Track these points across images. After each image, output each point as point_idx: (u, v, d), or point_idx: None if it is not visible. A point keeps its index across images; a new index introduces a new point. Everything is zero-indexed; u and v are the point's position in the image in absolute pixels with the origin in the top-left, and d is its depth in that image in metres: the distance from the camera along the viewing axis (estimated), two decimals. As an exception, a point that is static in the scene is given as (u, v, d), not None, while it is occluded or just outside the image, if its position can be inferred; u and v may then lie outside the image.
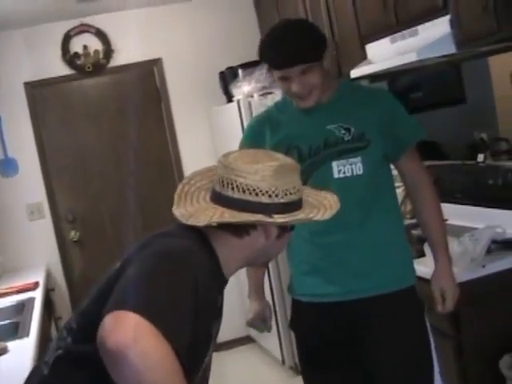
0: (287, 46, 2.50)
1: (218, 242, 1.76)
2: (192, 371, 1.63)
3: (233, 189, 1.72)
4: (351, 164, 2.58)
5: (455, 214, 3.78)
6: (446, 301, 2.69)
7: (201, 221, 1.70)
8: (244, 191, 1.71)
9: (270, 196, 1.71)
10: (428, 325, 2.75)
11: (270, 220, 1.70)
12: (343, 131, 2.58)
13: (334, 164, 2.58)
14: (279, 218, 1.71)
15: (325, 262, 2.65)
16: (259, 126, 2.77)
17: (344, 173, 2.58)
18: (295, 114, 2.69)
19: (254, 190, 1.71)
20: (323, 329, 2.69)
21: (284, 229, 1.80)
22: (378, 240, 2.61)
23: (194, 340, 1.55)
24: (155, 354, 1.38)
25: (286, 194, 1.73)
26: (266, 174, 1.72)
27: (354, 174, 2.58)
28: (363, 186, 2.59)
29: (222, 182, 1.75)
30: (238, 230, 1.75)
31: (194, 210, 1.77)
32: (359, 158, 2.57)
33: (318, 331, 2.71)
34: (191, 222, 1.71)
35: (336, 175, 2.58)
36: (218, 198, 1.76)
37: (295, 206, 1.76)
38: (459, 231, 3.41)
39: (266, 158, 1.78)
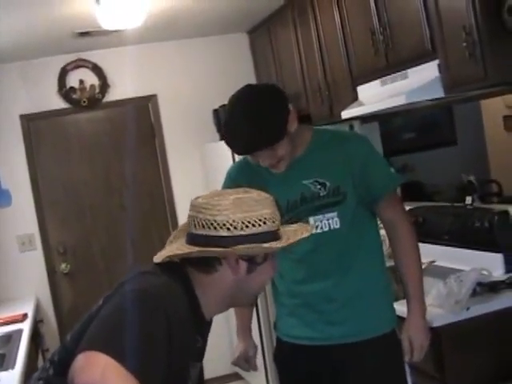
0: (245, 136, 2.45)
1: (195, 282, 1.77)
2: None
3: (195, 225, 1.76)
4: (328, 219, 2.59)
5: (442, 255, 3.81)
6: (414, 351, 2.69)
7: (157, 258, 1.76)
8: (203, 226, 1.73)
9: (228, 229, 1.71)
10: (407, 367, 2.77)
11: (228, 250, 1.70)
12: (319, 186, 2.58)
13: (311, 219, 2.59)
14: (238, 249, 1.70)
15: (302, 309, 2.68)
16: (236, 175, 2.79)
17: (321, 228, 2.59)
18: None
19: (212, 223, 1.72)
20: (302, 369, 2.72)
21: (253, 262, 1.77)
22: (355, 290, 2.63)
23: (168, 381, 1.56)
24: None
25: (247, 226, 1.72)
26: (223, 207, 1.73)
27: (331, 228, 2.59)
28: (341, 239, 2.61)
29: (191, 221, 1.78)
30: (206, 266, 1.76)
31: (167, 250, 1.80)
32: (336, 213, 2.58)
33: (298, 370, 2.73)
34: (154, 259, 1.76)
35: (313, 231, 2.58)
36: (189, 237, 1.79)
37: (262, 237, 1.73)
38: (445, 272, 3.43)
39: (232, 193, 1.80)
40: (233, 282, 1.78)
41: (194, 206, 1.79)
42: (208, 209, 1.74)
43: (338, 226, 2.59)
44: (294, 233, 1.83)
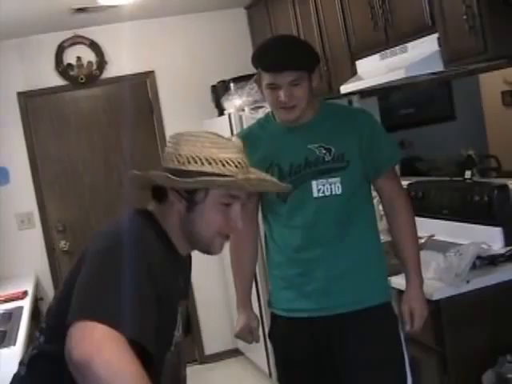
0: (281, 50, 2.61)
1: (159, 216, 1.82)
2: (161, 352, 1.71)
3: (163, 158, 1.85)
4: (330, 184, 2.63)
5: (441, 229, 3.82)
6: (415, 321, 2.74)
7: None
8: (165, 159, 1.82)
9: (172, 161, 1.79)
10: (403, 339, 2.80)
11: (163, 176, 1.75)
12: (324, 151, 2.63)
13: (314, 183, 2.63)
14: (172, 179, 1.74)
15: (300, 278, 2.70)
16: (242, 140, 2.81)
17: (323, 192, 2.63)
18: (277, 131, 2.74)
19: (165, 156, 1.83)
20: (298, 342, 2.74)
21: (192, 200, 1.77)
22: (352, 258, 2.67)
23: (159, 325, 1.61)
24: (118, 363, 1.42)
25: (189, 162, 1.76)
26: (176, 141, 1.82)
27: (333, 193, 2.63)
28: (341, 205, 2.65)
29: None
30: (159, 194, 1.82)
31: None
32: (338, 179, 2.63)
33: (293, 344, 2.76)
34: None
35: (315, 194, 2.63)
36: None
37: (201, 175, 1.74)
38: (444, 247, 3.45)
39: (195, 133, 1.84)
40: (179, 216, 1.81)
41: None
42: (170, 142, 1.84)
43: (339, 192, 2.63)
44: (249, 182, 1.81)
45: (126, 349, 1.46)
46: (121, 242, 1.65)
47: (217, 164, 1.75)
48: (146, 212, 1.84)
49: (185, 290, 1.95)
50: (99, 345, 1.43)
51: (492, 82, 5.72)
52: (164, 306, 1.66)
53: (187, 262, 1.98)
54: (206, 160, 1.75)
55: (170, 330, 1.77)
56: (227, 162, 1.76)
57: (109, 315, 1.49)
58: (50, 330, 1.72)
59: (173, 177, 1.74)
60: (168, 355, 1.78)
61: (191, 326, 2.07)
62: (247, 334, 2.93)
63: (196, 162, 1.75)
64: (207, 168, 1.74)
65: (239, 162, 1.79)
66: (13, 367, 2.89)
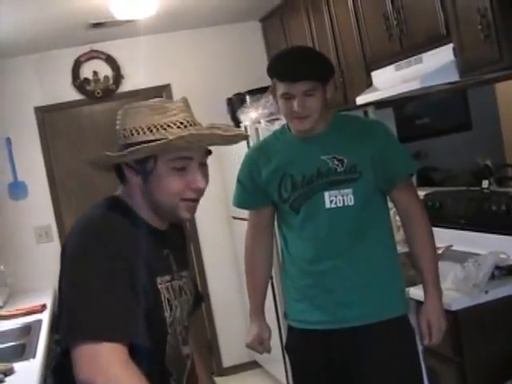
0: (296, 59, 2.64)
1: (125, 197, 1.85)
2: (159, 339, 1.76)
3: None
4: (343, 195, 2.63)
5: (459, 239, 3.80)
6: (433, 334, 2.72)
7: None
8: (117, 137, 1.86)
9: (124, 136, 1.81)
10: (420, 351, 2.80)
11: (111, 154, 1.79)
12: (336, 162, 2.63)
13: (326, 194, 2.63)
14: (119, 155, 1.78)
15: (313, 290, 2.70)
16: (255, 155, 2.86)
17: (335, 203, 2.63)
18: (291, 142, 2.76)
19: (117, 133, 1.86)
20: (312, 355, 2.74)
21: (144, 171, 1.77)
22: (366, 270, 2.66)
23: (147, 314, 1.68)
24: (121, 380, 1.54)
25: (132, 134, 1.78)
26: (120, 117, 1.85)
27: (345, 204, 2.63)
28: (353, 216, 2.64)
29: None
30: (119, 176, 1.87)
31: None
32: (351, 190, 2.63)
33: (308, 356, 2.76)
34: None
35: (328, 205, 2.63)
36: None
37: (143, 144, 1.73)
38: (462, 257, 3.43)
39: (135, 104, 1.84)
40: (139, 190, 1.81)
41: None
42: (117, 120, 1.86)
43: (351, 203, 2.63)
44: (184, 139, 1.74)
45: (126, 362, 1.56)
46: (87, 240, 1.69)
47: (158, 130, 1.74)
48: (111, 197, 1.87)
49: (179, 262, 1.93)
50: (100, 366, 1.53)
51: (508, 91, 5.69)
52: (143, 286, 1.70)
53: (174, 235, 1.96)
54: (148, 128, 1.75)
55: (157, 316, 1.77)
56: (168, 126, 1.75)
57: (101, 330, 1.56)
58: (60, 342, 1.75)
59: (110, 153, 1.77)
60: (168, 338, 1.80)
61: (201, 295, 2.08)
62: (258, 344, 2.94)
63: (139, 133, 1.76)
64: (149, 136, 1.74)
65: (181, 122, 1.76)
66: (32, 380, 2.93)
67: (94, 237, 1.69)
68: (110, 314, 1.59)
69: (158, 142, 1.70)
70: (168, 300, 1.80)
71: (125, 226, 1.74)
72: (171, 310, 1.81)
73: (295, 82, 2.57)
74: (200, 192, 1.82)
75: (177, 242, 1.98)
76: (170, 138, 1.70)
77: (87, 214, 1.81)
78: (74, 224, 1.81)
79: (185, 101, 1.84)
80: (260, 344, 2.93)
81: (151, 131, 1.74)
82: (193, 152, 1.78)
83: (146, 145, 1.70)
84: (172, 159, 1.75)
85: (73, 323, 1.60)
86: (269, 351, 2.97)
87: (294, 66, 2.60)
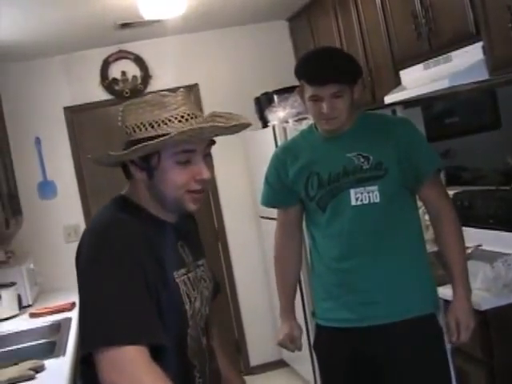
0: (324, 63, 2.64)
1: (132, 194, 1.87)
2: (181, 332, 1.78)
3: None
4: (368, 192, 2.63)
5: (488, 239, 3.78)
6: (461, 332, 2.71)
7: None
8: (119, 135, 1.85)
9: (126, 133, 1.81)
10: (449, 351, 2.79)
11: (114, 153, 1.80)
12: (362, 160, 2.64)
13: (352, 191, 2.64)
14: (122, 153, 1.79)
15: (339, 289, 2.71)
16: (282, 155, 2.88)
17: (361, 200, 2.64)
18: (317, 141, 2.77)
19: (119, 131, 1.85)
20: (340, 353, 2.75)
21: (149, 168, 1.78)
22: (391, 268, 2.66)
23: (166, 311, 1.71)
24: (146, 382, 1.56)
25: (134, 131, 1.78)
26: (121, 114, 1.84)
27: (371, 201, 2.63)
28: (379, 213, 2.65)
29: None
30: (125, 172, 1.87)
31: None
32: (376, 187, 2.63)
33: (335, 355, 2.77)
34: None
35: (353, 202, 2.64)
36: None
37: (146, 140, 1.74)
38: (492, 256, 3.41)
39: (135, 100, 1.84)
40: (145, 186, 1.82)
41: None
42: (118, 117, 1.85)
43: (377, 200, 2.63)
44: (185, 134, 1.74)
45: (149, 364, 1.58)
46: (99, 246, 1.71)
47: (159, 125, 1.75)
48: (119, 197, 1.89)
49: (194, 251, 1.95)
50: (124, 370, 1.56)
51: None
52: (162, 290, 1.72)
53: (186, 225, 1.97)
54: (150, 124, 1.76)
55: (178, 311, 1.79)
56: (169, 120, 1.75)
57: (122, 335, 1.58)
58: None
59: (112, 152, 1.78)
60: (189, 330, 1.81)
61: (218, 282, 2.09)
62: (289, 342, 2.95)
63: (140, 130, 1.77)
64: (151, 132, 1.75)
65: (182, 116, 1.77)
66: (63, 377, 2.96)
67: (106, 242, 1.70)
68: (128, 317, 1.61)
69: (160, 139, 1.71)
70: (187, 293, 1.81)
71: (136, 226, 1.75)
72: (190, 302, 1.82)
73: (324, 85, 2.58)
74: (205, 183, 1.83)
75: (189, 231, 2.00)
76: (172, 133, 1.71)
77: (97, 218, 1.84)
78: (84, 230, 1.83)
79: (184, 93, 1.84)
80: (291, 342, 2.94)
81: (152, 127, 1.75)
82: (195, 144, 1.78)
83: (146, 143, 1.71)
84: (175, 153, 1.76)
85: (93, 330, 1.62)
86: (300, 349, 2.98)
87: (322, 69, 2.61)
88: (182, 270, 1.84)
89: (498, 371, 3.04)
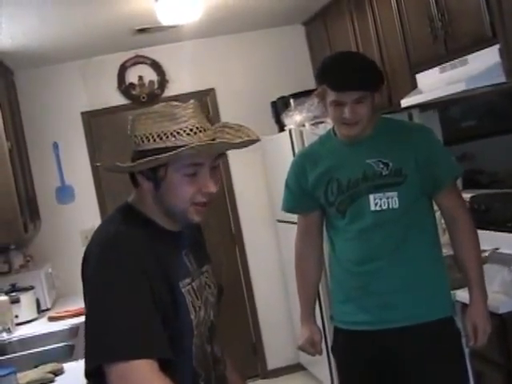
0: (348, 69, 2.64)
1: (138, 203, 1.87)
2: (186, 342, 1.79)
3: None
4: (388, 198, 2.64)
5: (506, 242, 3.76)
6: (478, 336, 2.72)
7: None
8: (129, 143, 1.84)
9: (135, 143, 1.80)
10: (467, 354, 2.79)
11: (121, 165, 1.79)
12: (381, 165, 2.65)
13: (371, 197, 2.66)
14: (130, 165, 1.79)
15: (358, 292, 2.72)
16: (302, 161, 2.89)
17: (380, 206, 2.65)
18: (337, 146, 2.78)
19: (129, 140, 1.83)
20: (359, 355, 2.76)
21: (156, 178, 1.78)
22: (409, 273, 2.67)
23: (168, 315, 1.72)
24: None
25: (143, 141, 1.77)
26: (131, 123, 1.83)
27: (390, 207, 2.64)
28: (398, 218, 2.66)
29: None
30: (133, 181, 1.86)
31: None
32: (396, 193, 2.64)
33: (355, 357, 2.78)
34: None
35: (373, 208, 2.65)
36: None
37: (157, 152, 1.73)
38: (509, 260, 3.40)
39: (145, 109, 1.84)
40: (151, 196, 1.83)
41: None
42: (128, 125, 1.84)
43: (396, 206, 2.64)
44: (194, 149, 1.73)
45: (158, 376, 1.61)
46: (105, 260, 1.72)
47: (168, 137, 1.75)
48: (124, 206, 1.89)
49: (199, 258, 1.96)
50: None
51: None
52: (168, 301, 1.73)
53: (190, 232, 1.96)
54: (158, 136, 1.75)
55: (183, 321, 1.79)
56: (178, 133, 1.75)
57: (130, 350, 1.60)
58: None
59: (120, 164, 1.78)
60: (194, 339, 1.82)
61: (223, 288, 2.08)
62: (309, 346, 2.96)
63: (149, 140, 1.76)
64: (160, 144, 1.75)
65: (191, 129, 1.76)
66: (82, 379, 2.96)
67: (114, 254, 1.71)
68: (138, 331, 1.63)
69: (167, 154, 1.71)
70: (192, 303, 1.82)
71: (142, 238, 1.76)
72: (195, 311, 1.83)
73: (347, 91, 2.59)
74: (211, 196, 1.84)
75: (194, 239, 2.00)
76: (180, 147, 1.71)
77: (104, 229, 1.85)
78: (90, 241, 1.84)
79: (195, 105, 1.83)
80: (312, 346, 2.95)
81: (161, 138, 1.75)
82: (203, 158, 1.78)
83: (153, 157, 1.72)
84: (183, 166, 1.76)
85: (103, 343, 1.63)
86: (320, 353, 3.00)
87: (346, 75, 2.61)
88: (187, 280, 1.84)
89: (517, 375, 3.03)
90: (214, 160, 1.83)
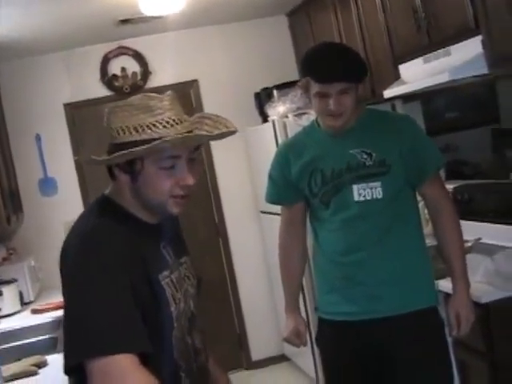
0: (332, 61, 2.63)
1: (115, 195, 1.86)
2: (167, 335, 1.78)
3: None
4: (371, 188, 2.65)
5: (488, 233, 3.79)
6: (461, 325, 2.74)
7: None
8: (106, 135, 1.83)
9: (111, 136, 1.79)
10: (450, 343, 2.81)
11: (97, 158, 1.79)
12: (365, 156, 2.66)
13: (355, 187, 2.66)
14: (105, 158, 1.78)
15: (342, 282, 2.73)
16: (285, 152, 2.89)
17: (364, 196, 2.65)
18: (320, 137, 2.78)
19: (105, 132, 1.83)
20: (343, 346, 2.77)
21: (133, 171, 1.77)
22: (394, 263, 2.68)
23: (152, 317, 1.71)
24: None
25: (119, 134, 1.76)
26: (107, 115, 1.82)
27: (374, 197, 2.65)
28: (382, 209, 2.67)
29: None
30: (110, 174, 1.86)
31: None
32: (379, 183, 2.65)
33: (339, 348, 2.79)
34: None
35: (356, 198, 2.66)
36: None
37: (133, 145, 1.72)
38: (492, 250, 3.43)
39: (121, 102, 1.82)
40: (128, 188, 1.81)
41: None
42: (104, 117, 1.83)
43: (380, 197, 2.65)
44: (168, 142, 1.73)
45: (139, 370, 1.59)
46: (83, 256, 1.70)
47: (144, 130, 1.73)
48: (102, 198, 1.89)
49: (177, 250, 1.95)
50: (114, 379, 1.57)
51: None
52: (148, 295, 1.72)
53: (168, 224, 1.94)
54: (134, 128, 1.74)
55: (164, 313, 1.79)
56: (154, 125, 1.74)
57: (110, 345, 1.59)
58: None
59: (96, 157, 1.78)
60: (174, 331, 1.81)
61: (202, 279, 2.06)
62: (295, 338, 2.96)
63: (125, 133, 1.75)
64: (136, 136, 1.73)
65: (167, 121, 1.75)
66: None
67: (93, 248, 1.70)
68: (119, 326, 1.62)
69: (142, 147, 1.70)
70: (172, 295, 1.81)
71: (121, 231, 1.75)
72: (176, 303, 1.82)
73: (332, 83, 2.59)
74: (189, 189, 1.82)
75: (172, 230, 1.98)
76: (156, 139, 1.70)
77: (82, 222, 1.83)
78: (69, 233, 1.83)
79: (171, 97, 1.81)
80: (297, 337, 2.95)
81: (137, 131, 1.73)
82: (180, 150, 1.77)
83: (127, 151, 1.70)
84: (160, 159, 1.75)
85: (83, 339, 1.61)
86: (305, 344, 3.00)
87: (330, 67, 2.61)
88: (166, 272, 1.83)
89: (500, 364, 3.05)
90: (192, 152, 1.82)
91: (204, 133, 1.81)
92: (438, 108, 5.50)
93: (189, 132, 1.78)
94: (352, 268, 2.69)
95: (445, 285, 3.06)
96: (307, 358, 5.16)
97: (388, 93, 4.06)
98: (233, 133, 1.85)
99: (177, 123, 1.76)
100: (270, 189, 2.96)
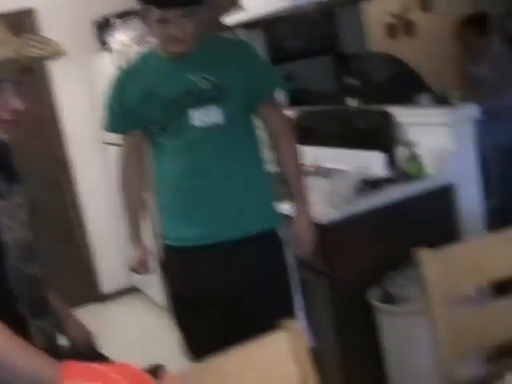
0: None
1: None
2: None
3: None
4: (210, 112, 2.65)
5: (327, 157, 3.91)
6: (302, 245, 2.88)
7: None
8: None
9: None
10: (292, 263, 2.91)
11: None
12: (204, 81, 2.64)
13: (194, 112, 2.65)
14: None
15: (185, 207, 2.74)
16: (122, 78, 2.83)
17: (203, 121, 2.65)
18: (160, 63, 2.74)
19: None
20: (189, 271, 2.79)
21: None
22: (236, 187, 2.71)
23: None
24: None
25: None
26: None
27: (214, 122, 2.65)
28: (223, 134, 2.68)
29: None
30: None
31: None
32: (219, 108, 2.65)
33: (185, 274, 2.80)
34: None
35: (196, 123, 2.65)
36: None
37: None
38: (330, 173, 3.54)
39: None
40: None
41: None
42: None
43: (220, 121, 2.66)
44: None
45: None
46: None
47: None
48: None
49: (9, 178, 1.87)
50: None
51: (376, 15, 5.85)
52: None
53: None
54: None
55: None
56: None
57: None
58: None
59: None
60: (10, 260, 1.76)
61: (37, 209, 1.98)
62: (141, 266, 2.97)
63: None
64: None
65: None
66: None
67: None
68: None
69: None
70: (6, 223, 1.75)
71: None
72: (10, 232, 1.77)
73: (171, 8, 2.55)
74: (17, 113, 1.73)
75: (2, 157, 1.89)
76: None
77: None
78: None
79: None
80: (142, 266, 2.96)
81: None
82: (5, 72, 1.68)
83: None
84: None
85: None
86: (151, 272, 3.02)
87: None
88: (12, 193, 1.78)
89: (337, 279, 3.19)
90: (20, 75, 1.73)
91: (33, 55, 1.71)
92: (280, 37, 5.56)
93: (15, 54, 1.68)
94: (193, 193, 2.70)
95: (286, 208, 3.15)
96: (156, 288, 5.19)
97: (229, 20, 4.04)
98: (62, 54, 1.77)
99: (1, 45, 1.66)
100: (107, 117, 2.90)
